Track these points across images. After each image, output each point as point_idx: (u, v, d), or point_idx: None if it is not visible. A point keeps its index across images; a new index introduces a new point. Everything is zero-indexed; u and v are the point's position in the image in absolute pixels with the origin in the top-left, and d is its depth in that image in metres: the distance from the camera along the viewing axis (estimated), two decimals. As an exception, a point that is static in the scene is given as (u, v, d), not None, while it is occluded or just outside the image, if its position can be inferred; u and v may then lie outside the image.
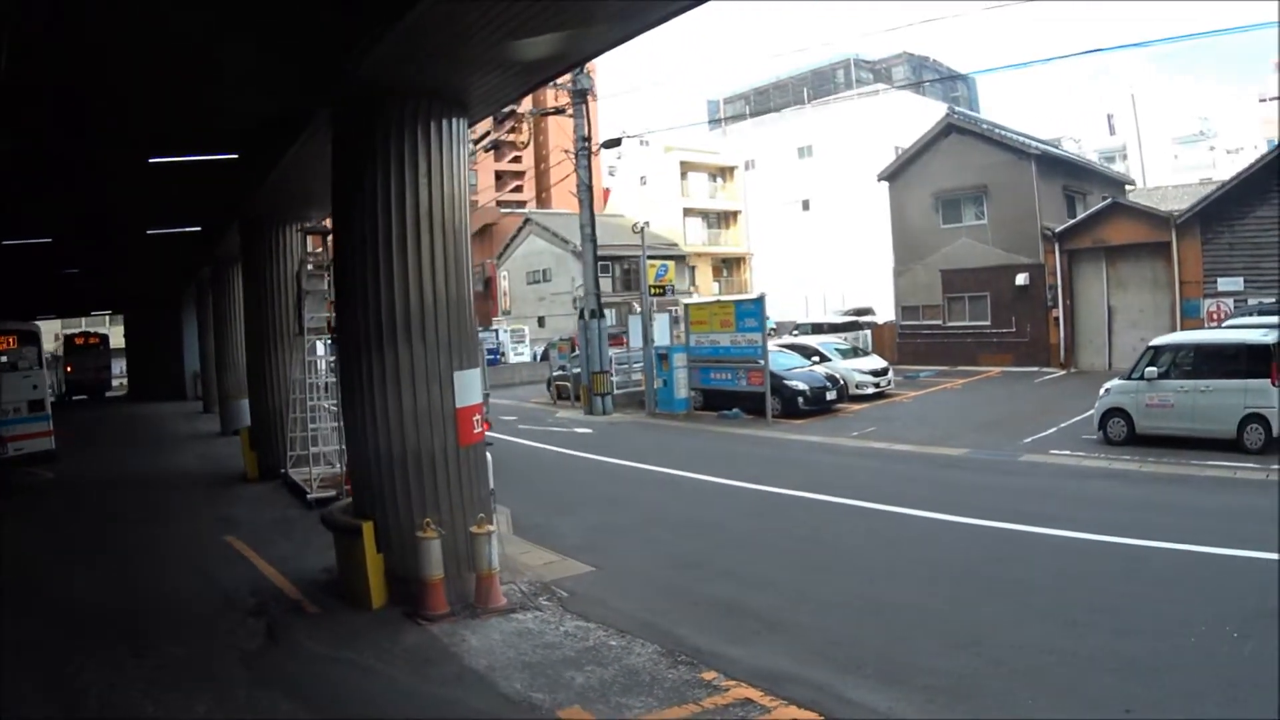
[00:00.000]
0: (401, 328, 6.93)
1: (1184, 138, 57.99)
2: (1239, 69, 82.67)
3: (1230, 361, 11.65)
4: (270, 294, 13.90)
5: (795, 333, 28.51)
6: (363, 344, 7.05)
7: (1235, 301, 19.03)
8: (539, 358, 33.21)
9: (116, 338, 39.19)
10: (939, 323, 25.59)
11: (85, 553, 9.69)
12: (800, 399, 17.22)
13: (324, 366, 12.14)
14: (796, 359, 19.27)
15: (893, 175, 27.06)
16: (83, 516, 11.82)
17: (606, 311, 23.16)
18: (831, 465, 12.72)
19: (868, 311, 31.95)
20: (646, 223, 22.22)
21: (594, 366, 20.26)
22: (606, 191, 52.81)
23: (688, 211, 46.52)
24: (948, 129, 25.53)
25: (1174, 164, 54.34)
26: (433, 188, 7.03)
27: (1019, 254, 23.43)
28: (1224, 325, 16.18)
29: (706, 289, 43.59)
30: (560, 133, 24.03)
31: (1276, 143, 24.88)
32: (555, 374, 24.56)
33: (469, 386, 7.22)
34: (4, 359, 16.26)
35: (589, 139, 20.54)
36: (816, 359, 19.63)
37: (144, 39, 7.03)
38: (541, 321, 41.01)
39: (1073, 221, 22.98)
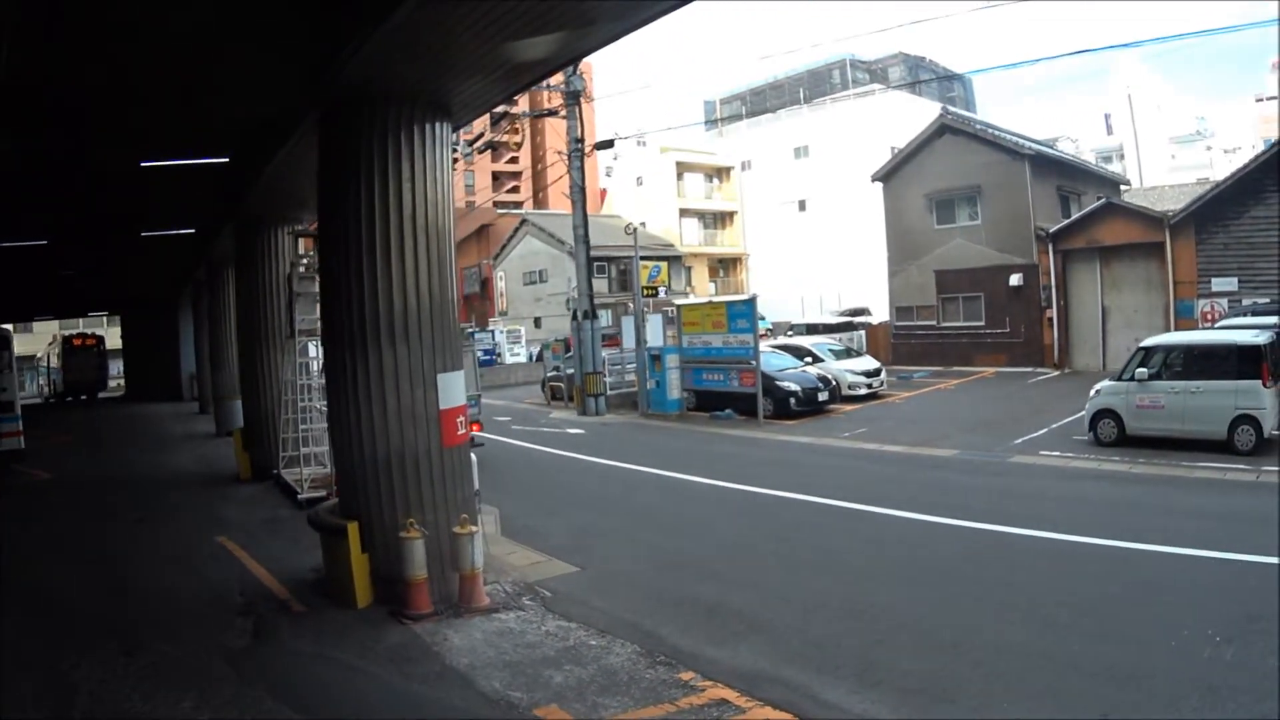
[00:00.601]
0: (385, 329, 6.96)
1: (1181, 137, 58.11)
2: (1237, 69, 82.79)
3: (1221, 362, 11.63)
4: (262, 296, 13.94)
5: (790, 333, 28.49)
6: (346, 345, 7.09)
7: (1229, 302, 19.05)
8: (534, 358, 33.22)
9: (114, 339, 39.25)
10: (933, 323, 25.56)
11: (79, 552, 9.71)
12: (792, 400, 17.24)
13: (315, 368, 12.16)
14: (789, 360, 19.27)
15: (887, 176, 27.01)
16: (78, 516, 11.82)
17: (603, 312, 23.19)
18: (821, 466, 12.74)
19: (864, 312, 31.96)
20: (641, 223, 22.31)
21: (587, 367, 20.29)
22: (603, 192, 52.86)
23: (684, 212, 46.50)
24: (941, 129, 25.51)
25: (1171, 164, 54.47)
26: (416, 191, 7.06)
27: (1013, 254, 23.41)
28: (1218, 325, 16.19)
29: (703, 289, 43.57)
30: (556, 134, 24.02)
31: (1273, 142, 24.87)
32: (549, 375, 24.52)
33: (452, 388, 7.25)
34: None
35: (582, 140, 20.53)
36: (809, 360, 19.60)
37: (140, 40, 7.10)
38: (538, 322, 41.00)
39: (1067, 222, 22.99)
